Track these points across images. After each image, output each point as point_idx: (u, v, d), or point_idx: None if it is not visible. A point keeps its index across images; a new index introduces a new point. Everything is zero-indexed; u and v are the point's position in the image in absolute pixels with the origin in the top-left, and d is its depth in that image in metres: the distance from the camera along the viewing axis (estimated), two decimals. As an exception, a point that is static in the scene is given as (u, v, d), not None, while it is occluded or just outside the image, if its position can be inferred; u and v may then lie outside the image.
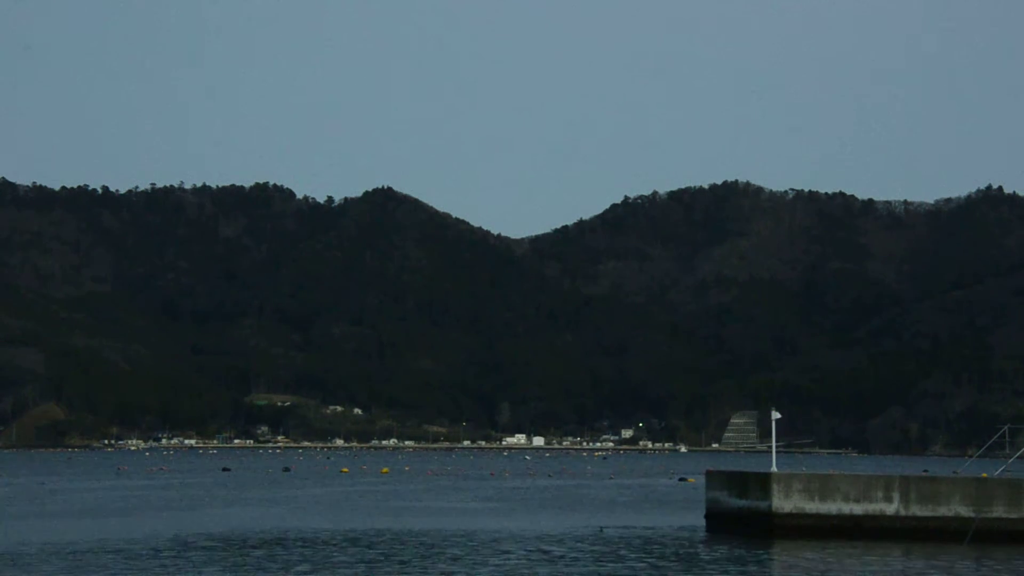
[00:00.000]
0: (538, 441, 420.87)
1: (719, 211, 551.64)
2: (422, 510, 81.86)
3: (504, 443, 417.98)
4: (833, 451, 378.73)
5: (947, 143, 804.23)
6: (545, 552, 52.22)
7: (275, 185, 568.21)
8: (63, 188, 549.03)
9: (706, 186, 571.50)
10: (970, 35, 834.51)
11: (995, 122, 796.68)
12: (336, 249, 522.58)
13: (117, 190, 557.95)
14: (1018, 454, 66.41)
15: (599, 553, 52.00)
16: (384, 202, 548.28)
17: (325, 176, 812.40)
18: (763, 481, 57.26)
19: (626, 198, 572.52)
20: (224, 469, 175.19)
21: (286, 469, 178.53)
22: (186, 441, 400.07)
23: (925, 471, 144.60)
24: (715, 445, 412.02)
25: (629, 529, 64.52)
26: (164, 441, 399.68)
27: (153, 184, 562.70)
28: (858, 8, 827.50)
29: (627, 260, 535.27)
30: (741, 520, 58.72)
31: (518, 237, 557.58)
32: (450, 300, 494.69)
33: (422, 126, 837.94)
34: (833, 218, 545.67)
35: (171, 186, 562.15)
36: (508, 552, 52.03)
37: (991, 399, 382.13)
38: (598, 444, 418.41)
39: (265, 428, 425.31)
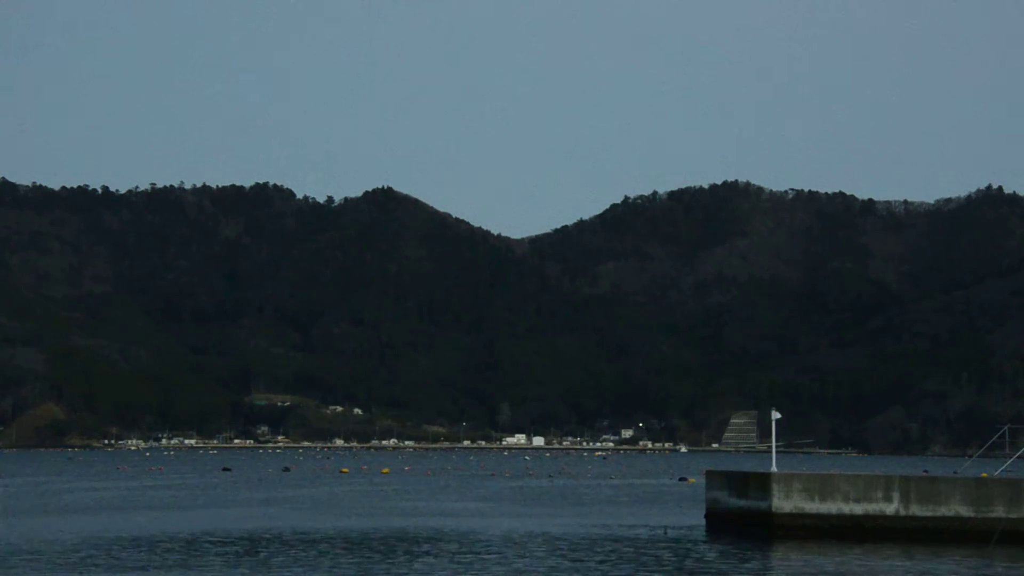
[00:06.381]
0: (538, 441, 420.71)
1: (719, 211, 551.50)
2: (422, 510, 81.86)
3: (504, 443, 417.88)
4: (833, 451, 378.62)
5: (947, 143, 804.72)
6: (544, 552, 52.21)
7: (275, 185, 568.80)
8: (63, 188, 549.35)
9: (706, 186, 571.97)
10: (970, 35, 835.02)
11: (995, 122, 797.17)
12: (336, 249, 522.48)
13: (117, 190, 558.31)
14: (1018, 454, 66.41)
15: (599, 553, 51.99)
16: (384, 202, 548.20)
17: (325, 176, 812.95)
18: (763, 481, 57.23)
19: (626, 198, 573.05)
20: (224, 469, 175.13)
21: (286, 469, 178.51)
22: (186, 441, 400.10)
23: (925, 471, 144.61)
24: (715, 445, 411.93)
25: (629, 529, 64.51)
26: (164, 441, 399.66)
27: (153, 184, 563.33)
28: (858, 7, 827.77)
29: (627, 260, 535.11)
30: (741, 520, 58.70)
31: (518, 237, 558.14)
32: (450, 300, 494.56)
33: (422, 126, 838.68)
34: (833, 218, 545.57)
35: (171, 186, 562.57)
36: (507, 552, 52.02)
37: (991, 399, 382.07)
38: (598, 444, 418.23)
39: (265, 428, 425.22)
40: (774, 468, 58.48)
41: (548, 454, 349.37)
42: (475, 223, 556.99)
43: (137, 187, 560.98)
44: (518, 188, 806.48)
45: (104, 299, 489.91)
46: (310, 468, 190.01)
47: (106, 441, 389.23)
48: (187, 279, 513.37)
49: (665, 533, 61.73)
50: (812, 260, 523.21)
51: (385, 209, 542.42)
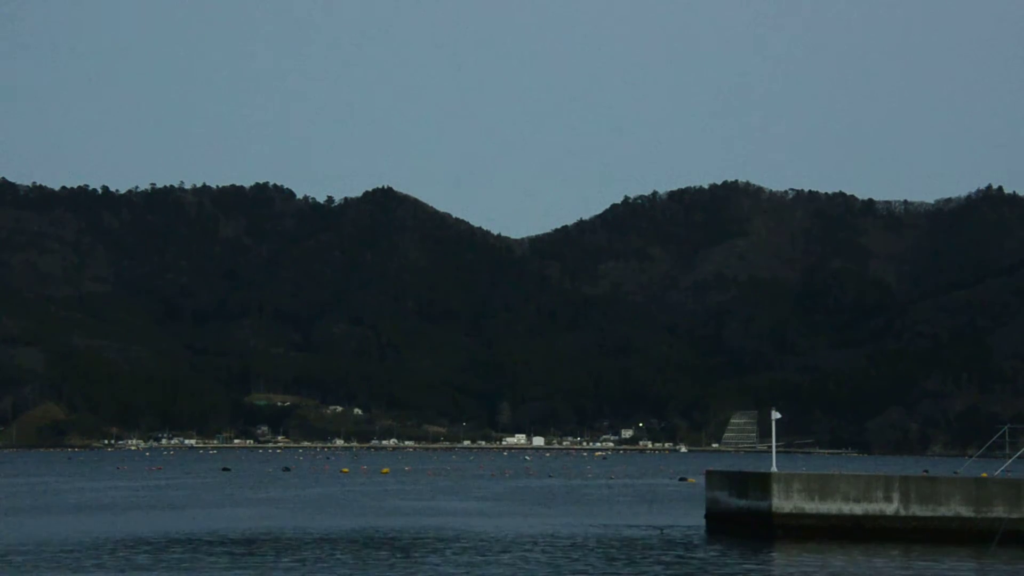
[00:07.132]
0: (538, 441, 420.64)
1: (719, 211, 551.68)
2: (423, 510, 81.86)
3: (504, 443, 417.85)
4: (833, 451, 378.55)
5: (947, 143, 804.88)
6: (545, 552, 52.21)
7: (275, 185, 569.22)
8: (63, 188, 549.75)
9: (706, 186, 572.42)
10: (970, 35, 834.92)
11: (995, 122, 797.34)
12: (336, 249, 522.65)
13: (117, 190, 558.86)
14: (1018, 454, 66.41)
15: (599, 553, 52.00)
16: (384, 202, 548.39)
17: (325, 176, 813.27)
18: (763, 481, 57.20)
19: (626, 198, 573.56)
20: (224, 469, 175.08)
21: (286, 469, 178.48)
22: (186, 441, 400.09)
23: (925, 471, 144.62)
24: (715, 445, 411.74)
25: (629, 529, 64.51)
26: (164, 441, 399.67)
27: (153, 184, 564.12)
28: (858, 8, 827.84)
29: (627, 260, 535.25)
30: (741, 520, 58.69)
31: (518, 237, 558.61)
32: (450, 300, 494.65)
33: (422, 126, 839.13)
34: (833, 218, 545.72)
35: (171, 186, 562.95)
36: (508, 552, 52.03)
37: (991, 399, 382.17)
38: (598, 444, 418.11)
39: (265, 428, 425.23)
40: (774, 468, 58.47)
41: (548, 454, 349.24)
42: (475, 223, 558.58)
43: (137, 187, 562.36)
44: (518, 188, 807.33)
45: (104, 299, 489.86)
46: (310, 468, 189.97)
47: (106, 441, 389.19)
48: (187, 279, 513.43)
49: (663, 533, 61.74)
50: (812, 260, 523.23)
51: (385, 209, 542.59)
